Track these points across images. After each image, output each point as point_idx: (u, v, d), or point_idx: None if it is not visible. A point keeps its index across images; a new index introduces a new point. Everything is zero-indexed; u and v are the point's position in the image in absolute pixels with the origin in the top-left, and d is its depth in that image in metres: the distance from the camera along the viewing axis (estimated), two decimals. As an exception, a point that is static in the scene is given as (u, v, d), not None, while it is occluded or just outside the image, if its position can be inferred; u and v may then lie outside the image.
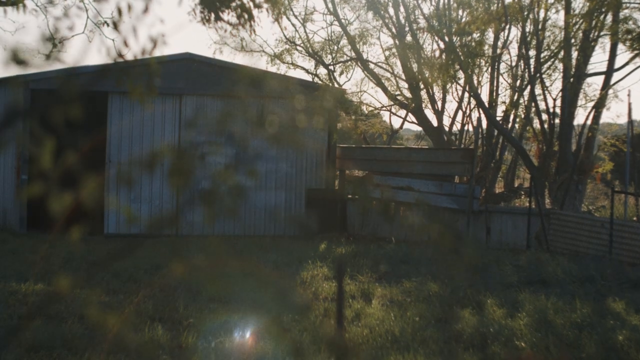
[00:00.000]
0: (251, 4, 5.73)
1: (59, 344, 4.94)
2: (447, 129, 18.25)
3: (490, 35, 15.94)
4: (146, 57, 2.02)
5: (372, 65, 17.69)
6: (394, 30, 16.55)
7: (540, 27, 14.49)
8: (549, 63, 15.45)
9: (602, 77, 14.12)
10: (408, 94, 17.21)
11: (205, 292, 6.53)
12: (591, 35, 13.82)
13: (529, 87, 14.99)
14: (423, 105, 16.95)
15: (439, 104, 17.95)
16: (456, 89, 18.59)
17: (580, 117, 53.39)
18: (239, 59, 18.40)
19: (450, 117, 19.31)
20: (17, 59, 1.51)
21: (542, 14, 14.79)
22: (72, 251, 8.28)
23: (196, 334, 5.34)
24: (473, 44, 14.08)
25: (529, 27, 14.77)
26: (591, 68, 14.82)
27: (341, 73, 18.38)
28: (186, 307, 6.11)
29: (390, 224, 12.95)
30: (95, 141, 11.25)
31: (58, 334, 5.11)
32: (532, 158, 14.81)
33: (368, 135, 20.22)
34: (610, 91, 14.65)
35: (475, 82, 16.20)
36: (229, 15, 6.34)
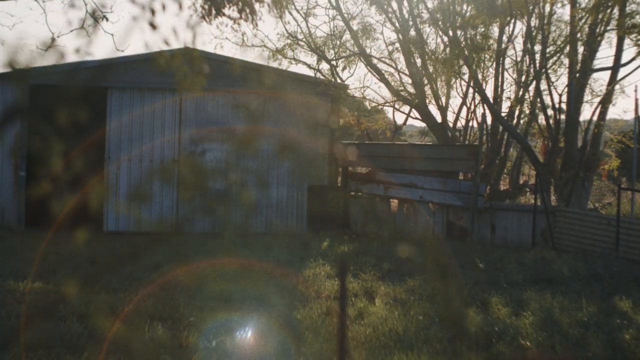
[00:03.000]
0: (253, -2, 5.60)
1: (58, 343, 4.88)
2: (451, 125, 18.11)
3: (495, 30, 15.79)
4: (153, 50, 1.97)
5: (375, 61, 17.55)
6: (397, 25, 16.40)
7: (545, 21, 14.31)
8: (555, 58, 15.28)
9: (609, 72, 13.96)
10: (412, 90, 17.08)
11: (206, 291, 6.47)
12: (597, 30, 13.64)
13: (534, 82, 14.83)
14: (427, 101, 16.82)
15: (443, 99, 17.82)
16: (460, 85, 18.47)
17: (587, 112, 53.03)
18: (240, 54, 18.31)
19: (454, 113, 19.20)
20: (13, 63, 1.48)
21: (547, 8, 14.61)
22: (71, 249, 8.22)
23: (197, 333, 5.27)
24: (478, 38, 13.93)
25: (534, 22, 14.60)
26: (597, 63, 14.70)
27: (344, 68, 18.26)
28: (186, 305, 6.05)
29: (393, 222, 12.85)
30: (95, 137, 11.20)
31: (57, 333, 5.05)
32: (537, 154, 14.66)
33: (371, 132, 20.11)
34: (617, 87, 14.50)
35: (480, 77, 16.04)
36: (230, 10, 6.22)
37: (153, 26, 1.98)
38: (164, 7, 2.07)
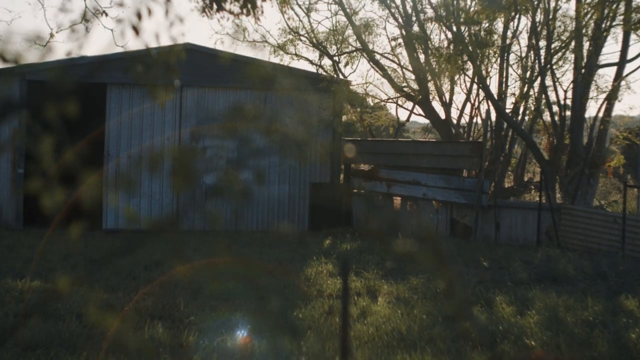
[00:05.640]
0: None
1: (57, 342, 4.83)
2: (455, 121, 17.99)
3: (499, 25, 15.64)
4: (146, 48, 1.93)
5: (378, 56, 17.43)
6: (400, 20, 16.28)
7: (550, 16, 14.15)
8: (560, 54, 15.11)
9: (614, 68, 13.83)
10: (415, 86, 16.96)
11: (207, 290, 6.41)
12: (603, 25, 13.49)
13: (539, 78, 14.69)
14: (430, 97, 16.70)
15: (447, 95, 17.70)
16: (464, 81, 18.33)
17: (592, 109, 52.71)
18: (241, 50, 18.23)
19: (458, 109, 19.07)
20: (4, 56, 1.43)
21: (552, 3, 14.44)
22: (70, 247, 8.18)
23: (197, 333, 5.21)
24: (482, 33, 13.78)
25: (539, 17, 14.44)
26: (603, 59, 14.53)
27: (346, 64, 18.17)
28: (187, 304, 5.99)
29: (396, 219, 12.76)
30: (94, 134, 11.12)
31: (55, 333, 5.00)
32: (542, 151, 14.54)
33: (374, 128, 20.00)
34: (623, 83, 14.35)
35: (484, 73, 15.90)
36: (231, 5, 6.13)
37: (136, 30, 1.94)
38: (148, 12, 2.02)
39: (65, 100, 1.43)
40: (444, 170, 12.45)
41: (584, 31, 13.67)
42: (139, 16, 1.99)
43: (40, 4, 25.49)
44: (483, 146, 12.34)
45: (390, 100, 18.84)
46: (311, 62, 18.14)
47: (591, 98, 14.40)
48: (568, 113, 14.06)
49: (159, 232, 1.48)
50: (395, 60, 18.01)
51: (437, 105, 17.12)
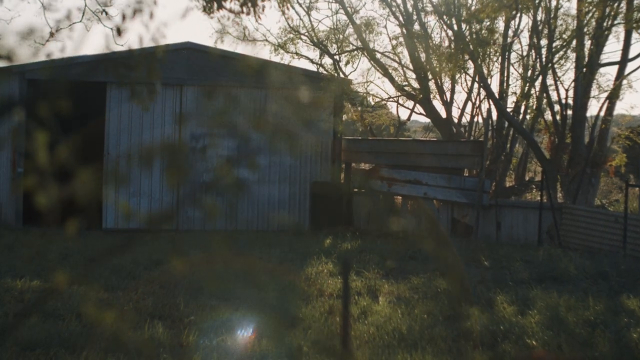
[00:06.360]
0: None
1: (56, 342, 4.81)
2: (456, 120, 17.97)
3: (500, 24, 15.60)
4: (146, 47, 1.93)
5: (378, 55, 17.39)
6: (401, 18, 16.24)
7: (552, 15, 14.11)
8: (561, 53, 15.07)
9: (616, 67, 13.80)
10: (416, 85, 16.92)
11: (207, 289, 6.39)
12: (605, 24, 13.45)
13: (540, 77, 14.66)
14: (431, 96, 16.66)
15: (448, 94, 17.66)
16: (465, 80, 18.29)
17: (593, 108, 52.71)
18: (241, 48, 18.19)
19: (459, 108, 19.06)
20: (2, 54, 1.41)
21: (553, 2, 14.42)
22: (70, 246, 8.17)
23: (197, 332, 5.19)
24: (483, 32, 13.74)
25: (540, 16, 14.40)
26: (604, 58, 14.49)
27: (347, 63, 18.13)
28: (187, 304, 5.97)
29: (397, 219, 12.74)
30: (93, 133, 11.11)
31: (55, 332, 4.98)
32: (543, 150, 14.51)
33: (374, 127, 19.97)
34: (624, 81, 14.31)
35: (485, 72, 15.87)
36: (231, 3, 6.08)
37: (119, 32, 1.94)
38: (133, 13, 2.01)
39: (64, 99, 1.42)
40: (445, 169, 12.43)
41: (585, 30, 13.63)
42: (124, 17, 1.99)
43: (40, 3, 25.43)
44: (484, 145, 12.31)
45: (391, 99, 18.81)
46: (312, 60, 18.12)
47: (593, 97, 14.38)
48: (569, 112, 14.03)
49: (157, 228, 1.47)
50: (396, 59, 17.98)
51: (438, 104, 17.10)
